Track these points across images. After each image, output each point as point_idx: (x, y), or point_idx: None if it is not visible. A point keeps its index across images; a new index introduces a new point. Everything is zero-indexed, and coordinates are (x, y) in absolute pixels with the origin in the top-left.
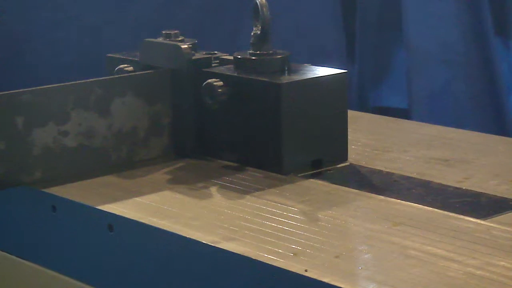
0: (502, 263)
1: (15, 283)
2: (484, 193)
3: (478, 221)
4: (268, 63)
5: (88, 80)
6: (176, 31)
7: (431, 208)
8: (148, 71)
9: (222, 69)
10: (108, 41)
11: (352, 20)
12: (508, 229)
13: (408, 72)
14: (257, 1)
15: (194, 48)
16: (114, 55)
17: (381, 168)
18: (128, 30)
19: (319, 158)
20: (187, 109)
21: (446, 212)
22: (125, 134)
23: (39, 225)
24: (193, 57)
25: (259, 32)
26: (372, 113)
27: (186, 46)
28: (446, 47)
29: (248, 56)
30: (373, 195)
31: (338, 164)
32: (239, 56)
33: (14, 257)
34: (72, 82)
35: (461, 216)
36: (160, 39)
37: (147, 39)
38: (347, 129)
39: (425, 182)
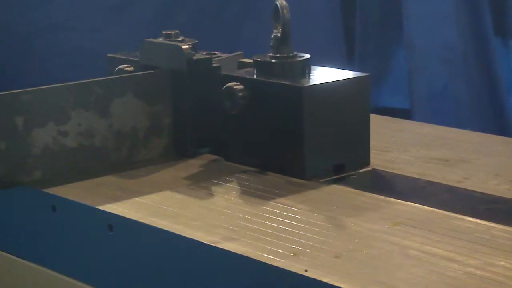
0: (502, 263)
1: (15, 283)
2: (484, 193)
3: (478, 221)
4: (289, 66)
5: (88, 80)
6: (176, 31)
7: (431, 208)
8: (148, 71)
9: (242, 73)
10: (108, 41)
11: (352, 20)
12: (508, 229)
13: (409, 72)
14: (278, 3)
15: (194, 48)
16: (114, 55)
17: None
18: (128, 30)
19: (341, 163)
20: (187, 109)
21: (446, 212)
22: (125, 134)
23: (39, 225)
24: (194, 57)
25: (279, 35)
26: (373, 113)
27: (186, 46)
28: (446, 47)
29: (268, 59)
30: (373, 195)
31: (361, 169)
32: (259, 59)
33: (14, 257)
34: (72, 82)
35: (461, 216)
36: (160, 40)
37: (147, 39)
38: (369, 133)
39: (450, 188)
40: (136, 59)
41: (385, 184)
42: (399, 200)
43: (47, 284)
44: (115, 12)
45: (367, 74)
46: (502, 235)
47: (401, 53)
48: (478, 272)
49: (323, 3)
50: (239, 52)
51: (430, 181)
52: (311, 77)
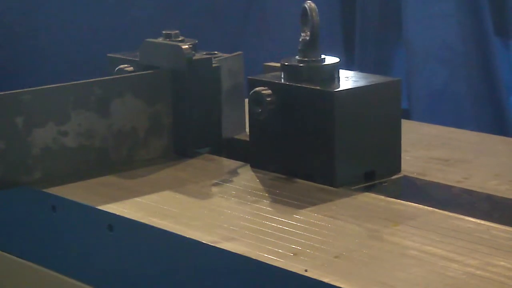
0: (502, 263)
1: (15, 283)
2: (484, 193)
3: (478, 221)
4: (318, 70)
5: (88, 80)
6: (176, 31)
7: (431, 208)
8: (148, 71)
9: (270, 77)
10: (108, 41)
11: (352, 20)
12: (508, 229)
13: (408, 72)
14: (306, 5)
15: (194, 48)
16: (114, 55)
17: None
18: (128, 30)
19: (372, 169)
20: (187, 109)
21: (446, 212)
22: (125, 134)
23: (39, 225)
24: (194, 57)
25: (308, 38)
26: None
27: (186, 46)
28: (446, 47)
29: (296, 63)
30: (373, 195)
31: (391, 176)
32: (286, 63)
33: (14, 257)
34: (72, 82)
35: (461, 216)
36: (160, 39)
37: (147, 39)
38: (401, 139)
39: (488, 196)
40: (136, 59)
41: (417, 192)
42: (399, 200)
43: (47, 284)
44: (115, 12)
45: (399, 78)
46: (502, 235)
47: (400, 53)
48: (478, 272)
49: (322, 3)
50: (239, 52)
51: (465, 189)
52: (341, 81)
